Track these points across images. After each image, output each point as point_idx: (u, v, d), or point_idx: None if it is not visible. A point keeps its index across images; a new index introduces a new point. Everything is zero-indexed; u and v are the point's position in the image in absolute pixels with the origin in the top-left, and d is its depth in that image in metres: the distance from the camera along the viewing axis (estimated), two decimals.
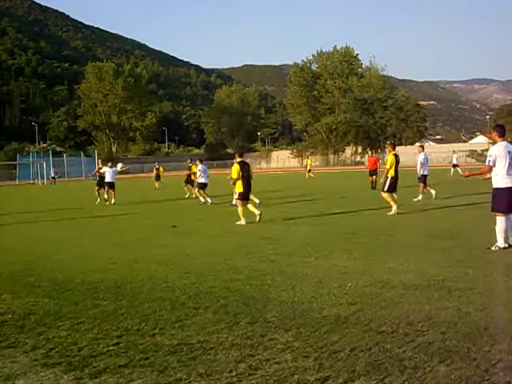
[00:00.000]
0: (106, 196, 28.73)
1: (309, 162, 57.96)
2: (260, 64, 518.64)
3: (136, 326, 6.31)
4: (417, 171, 23.86)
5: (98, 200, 28.95)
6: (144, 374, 4.90)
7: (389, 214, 17.19)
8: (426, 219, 16.28)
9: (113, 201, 28.05)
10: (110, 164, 30.17)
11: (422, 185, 23.32)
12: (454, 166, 48.47)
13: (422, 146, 25.26)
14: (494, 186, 11.09)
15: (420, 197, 22.59)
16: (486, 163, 11.06)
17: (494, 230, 10.90)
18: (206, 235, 14.49)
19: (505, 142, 11.10)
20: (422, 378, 4.57)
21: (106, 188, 28.55)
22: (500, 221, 10.75)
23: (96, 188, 29.91)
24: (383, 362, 4.95)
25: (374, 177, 31.77)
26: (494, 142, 11.39)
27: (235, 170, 16.82)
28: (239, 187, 16.62)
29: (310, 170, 54.41)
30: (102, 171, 29.55)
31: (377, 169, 32.77)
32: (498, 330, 5.75)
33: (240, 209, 16.55)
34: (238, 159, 17.33)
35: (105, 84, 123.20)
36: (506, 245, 10.70)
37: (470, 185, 27.98)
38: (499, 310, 6.54)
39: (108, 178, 28.51)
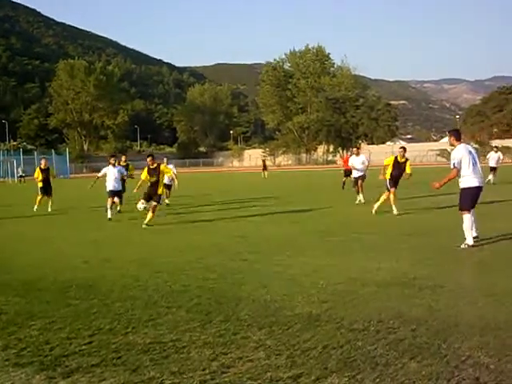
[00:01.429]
0: (117, 208, 20.52)
1: (265, 161, 57.46)
2: (233, 63, 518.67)
3: (108, 325, 6.27)
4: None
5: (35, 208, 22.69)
6: (116, 372, 4.87)
7: (395, 213, 16.88)
8: (396, 218, 16.38)
9: (118, 208, 20.57)
10: (112, 160, 21.09)
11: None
12: None
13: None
14: (462, 186, 11.30)
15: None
16: (452, 167, 11.28)
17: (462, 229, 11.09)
18: (178, 234, 14.46)
19: (463, 144, 11.49)
20: (394, 375, 4.61)
21: (111, 199, 19.42)
22: (466, 219, 10.95)
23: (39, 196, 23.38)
24: (355, 359, 4.98)
25: (349, 178, 30.11)
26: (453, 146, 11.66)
27: (144, 173, 16.78)
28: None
29: (265, 168, 53.88)
30: (100, 174, 20.79)
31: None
32: (467, 326, 5.81)
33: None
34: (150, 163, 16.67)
35: (76, 82, 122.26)
36: (474, 242, 10.87)
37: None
38: (469, 307, 6.61)
39: (112, 185, 19.90)
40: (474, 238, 10.96)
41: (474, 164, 11.15)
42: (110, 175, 20.02)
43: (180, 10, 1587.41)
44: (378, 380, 4.52)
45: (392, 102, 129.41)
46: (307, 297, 7.28)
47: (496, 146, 34.00)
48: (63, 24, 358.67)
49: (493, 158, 31.77)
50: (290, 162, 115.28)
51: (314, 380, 4.57)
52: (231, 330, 5.94)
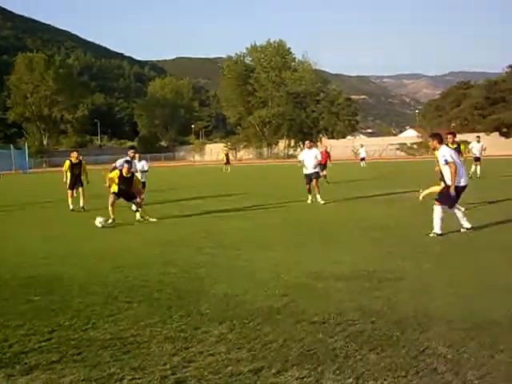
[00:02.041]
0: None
1: (224, 155, 56.47)
2: (194, 56, 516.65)
3: (68, 322, 6.22)
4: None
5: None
6: (76, 369, 4.84)
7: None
8: (357, 211, 16.50)
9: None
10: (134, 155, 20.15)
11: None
12: (362, 159, 49.27)
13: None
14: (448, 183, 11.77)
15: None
16: (447, 162, 11.63)
17: (424, 222, 11.38)
18: (139, 229, 14.39)
19: (445, 146, 12.22)
20: (353, 367, 4.66)
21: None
22: (437, 210, 11.46)
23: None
24: (315, 352, 5.02)
25: (325, 171, 29.38)
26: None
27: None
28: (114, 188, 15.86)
29: (227, 163, 53.24)
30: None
31: (326, 162, 30.36)
32: (425, 318, 5.89)
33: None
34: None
35: (35, 75, 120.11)
36: (441, 231, 11.34)
37: (397, 179, 28.51)
38: (427, 299, 6.70)
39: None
40: (468, 228, 11.69)
41: (458, 164, 11.74)
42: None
43: (141, 3, 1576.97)
44: (338, 372, 4.57)
45: (352, 97, 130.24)
46: (268, 291, 7.31)
47: (478, 136, 33.47)
48: (22, 16, 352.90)
49: (476, 148, 31.29)
50: (251, 156, 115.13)
51: (274, 373, 4.59)
52: (192, 325, 5.94)
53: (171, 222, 15.62)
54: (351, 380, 4.41)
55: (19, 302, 7.15)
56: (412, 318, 5.90)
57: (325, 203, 18.80)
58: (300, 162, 20.42)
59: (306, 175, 20.04)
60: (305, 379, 4.46)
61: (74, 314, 6.48)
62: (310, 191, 19.90)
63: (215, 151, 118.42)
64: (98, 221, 14.60)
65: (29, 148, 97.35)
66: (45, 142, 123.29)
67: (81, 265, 9.64)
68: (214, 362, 4.88)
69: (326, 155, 30.83)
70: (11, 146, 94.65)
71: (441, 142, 12.10)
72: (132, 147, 24.42)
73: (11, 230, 14.99)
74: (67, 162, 20.05)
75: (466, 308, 6.26)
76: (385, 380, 4.39)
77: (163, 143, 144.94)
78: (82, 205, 19.59)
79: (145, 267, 9.20)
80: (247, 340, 5.41)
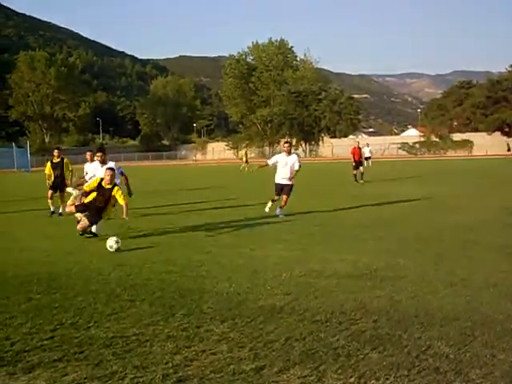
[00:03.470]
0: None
1: (244, 153, 56.85)
2: (196, 55, 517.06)
3: (70, 320, 6.20)
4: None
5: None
6: (79, 367, 4.83)
7: None
8: (358, 209, 16.48)
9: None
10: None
11: None
12: (367, 158, 49.27)
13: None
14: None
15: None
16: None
17: (424, 221, 11.35)
18: (141, 227, 14.37)
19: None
20: (355, 366, 4.65)
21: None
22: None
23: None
24: (317, 351, 5.01)
25: (361, 168, 29.32)
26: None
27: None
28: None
29: (247, 161, 53.44)
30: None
31: (360, 160, 29.77)
32: (427, 317, 5.89)
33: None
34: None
35: (37, 73, 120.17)
36: None
37: (398, 178, 28.49)
38: (429, 297, 6.70)
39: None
40: None
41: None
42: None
43: (143, 2, 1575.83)
44: (340, 371, 4.56)
45: (354, 96, 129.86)
46: (270, 289, 7.30)
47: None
48: (24, 15, 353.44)
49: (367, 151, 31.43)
50: (253, 154, 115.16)
51: (276, 372, 4.58)
52: (194, 324, 5.94)
53: (172, 220, 15.59)
54: (353, 379, 4.40)
55: (21, 300, 7.13)
56: (414, 317, 5.89)
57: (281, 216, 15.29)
58: (268, 164, 16.54)
59: (278, 185, 15.93)
60: (307, 378, 4.45)
61: (77, 312, 6.47)
62: (274, 201, 16.01)
63: (217, 150, 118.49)
64: (110, 244, 10.69)
65: (31, 146, 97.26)
66: (47, 141, 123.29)
67: (83, 263, 9.63)
68: (216, 361, 4.87)
69: (358, 151, 29.94)
70: (13, 144, 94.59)
71: None
72: (100, 148, 17.18)
73: (13, 228, 14.97)
74: (48, 165, 17.81)
75: (469, 307, 6.25)
76: (387, 379, 4.38)
77: (165, 142, 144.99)
78: (60, 210, 17.32)
79: (146, 266, 9.18)
80: (249, 339, 5.41)
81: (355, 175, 28.99)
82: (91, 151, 15.68)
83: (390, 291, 7.00)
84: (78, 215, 13.16)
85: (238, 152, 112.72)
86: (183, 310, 6.46)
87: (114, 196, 12.29)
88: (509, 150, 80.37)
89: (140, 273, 8.64)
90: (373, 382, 4.35)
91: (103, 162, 14.67)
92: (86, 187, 12.98)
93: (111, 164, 14.26)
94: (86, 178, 15.01)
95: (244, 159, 53.67)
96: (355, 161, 29.45)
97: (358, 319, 5.90)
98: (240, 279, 7.96)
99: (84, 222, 12.41)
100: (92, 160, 15.63)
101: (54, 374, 4.69)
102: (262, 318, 6.06)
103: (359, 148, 30.68)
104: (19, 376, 4.69)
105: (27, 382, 4.58)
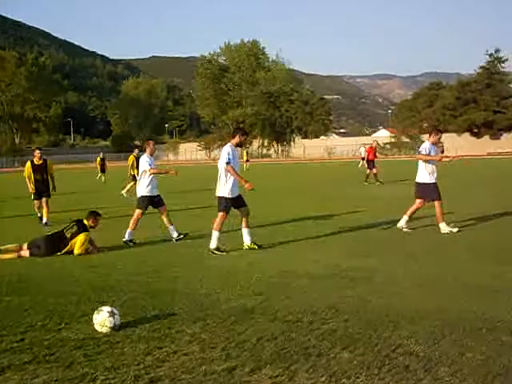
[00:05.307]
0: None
1: (245, 152, 58.11)
2: (168, 56, 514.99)
3: (41, 322, 6.16)
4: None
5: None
6: (50, 369, 4.79)
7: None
8: (331, 210, 16.53)
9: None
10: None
11: None
12: (363, 158, 49.40)
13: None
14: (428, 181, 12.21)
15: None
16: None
17: (397, 221, 11.54)
18: (112, 228, 14.28)
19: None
20: (326, 365, 4.68)
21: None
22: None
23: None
24: (289, 351, 5.04)
25: (374, 170, 28.15)
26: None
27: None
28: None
29: (247, 161, 54.46)
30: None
31: (374, 160, 28.62)
32: (397, 316, 5.94)
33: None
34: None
35: (7, 73, 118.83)
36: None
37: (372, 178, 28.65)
38: (399, 297, 6.76)
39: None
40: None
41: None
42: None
43: (115, 2, 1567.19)
44: (311, 370, 4.58)
45: (326, 97, 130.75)
46: (242, 290, 7.32)
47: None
48: None
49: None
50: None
51: (248, 372, 4.60)
52: (165, 324, 5.92)
53: (144, 221, 15.52)
54: (324, 378, 4.43)
55: None
56: (384, 317, 5.94)
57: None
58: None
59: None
60: (278, 378, 4.47)
61: (47, 314, 6.42)
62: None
63: (189, 150, 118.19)
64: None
65: (1, 147, 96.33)
66: (17, 141, 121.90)
67: (53, 264, 9.57)
68: (187, 362, 4.87)
69: (373, 151, 29.10)
70: None
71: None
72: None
73: None
74: (28, 165, 15.42)
75: (438, 306, 6.32)
76: (357, 378, 4.42)
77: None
78: (45, 221, 15.10)
79: (118, 267, 9.15)
80: (221, 339, 5.41)
81: (375, 175, 27.81)
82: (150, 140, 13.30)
83: (360, 291, 7.05)
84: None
85: (209, 153, 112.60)
86: (154, 311, 6.45)
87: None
88: None
89: (111, 274, 8.61)
90: (344, 380, 4.38)
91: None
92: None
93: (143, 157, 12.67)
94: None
95: (245, 159, 54.80)
96: (369, 160, 28.60)
97: (329, 319, 5.93)
98: (212, 280, 7.97)
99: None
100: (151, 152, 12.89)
101: (24, 376, 4.65)
102: (233, 318, 6.06)
103: (374, 148, 29.75)
104: None
105: None
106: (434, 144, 12.36)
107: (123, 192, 24.72)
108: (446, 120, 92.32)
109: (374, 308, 6.29)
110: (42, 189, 15.29)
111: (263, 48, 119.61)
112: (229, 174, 10.33)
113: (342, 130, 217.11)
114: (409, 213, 12.15)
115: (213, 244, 10.25)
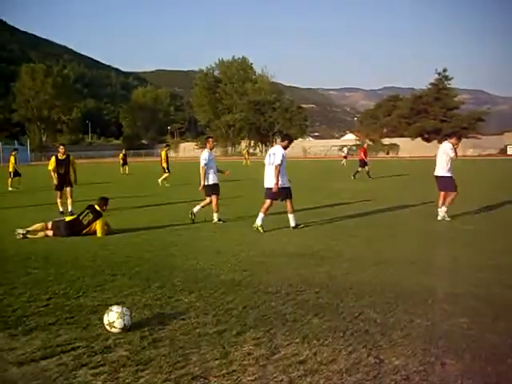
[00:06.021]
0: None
1: (245, 151, 58.48)
2: (171, 69, 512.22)
3: (63, 290, 6.15)
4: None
5: None
6: (70, 330, 4.81)
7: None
8: (308, 202, 16.52)
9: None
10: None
11: None
12: (345, 157, 49.38)
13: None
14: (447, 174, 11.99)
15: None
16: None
17: (365, 210, 11.50)
18: (124, 213, 14.23)
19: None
20: (300, 329, 4.71)
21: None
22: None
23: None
24: (269, 317, 5.05)
25: (366, 167, 27.30)
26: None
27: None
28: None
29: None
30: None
31: (365, 159, 27.82)
32: (359, 289, 5.97)
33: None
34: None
35: (37, 83, 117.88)
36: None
37: (348, 172, 28.68)
38: (360, 273, 6.79)
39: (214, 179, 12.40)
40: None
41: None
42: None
43: (129, 23, 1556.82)
44: (287, 333, 4.61)
45: (303, 106, 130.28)
46: (230, 266, 7.32)
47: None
48: (26, 33, 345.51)
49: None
50: (218, 153, 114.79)
51: (235, 334, 4.61)
52: (167, 294, 5.93)
53: (150, 208, 15.49)
54: (298, 340, 4.45)
55: (20, 274, 7.04)
56: (348, 289, 5.96)
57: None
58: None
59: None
60: (260, 339, 4.48)
61: (68, 285, 6.41)
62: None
63: (188, 149, 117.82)
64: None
65: (30, 144, 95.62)
66: (44, 140, 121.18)
67: (73, 243, 9.53)
68: (184, 325, 4.88)
69: (365, 151, 28.41)
70: (15, 142, 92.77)
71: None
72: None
73: (14, 213, 14.70)
74: (53, 159, 14.49)
75: (392, 281, 6.35)
76: (326, 340, 4.44)
77: (144, 141, 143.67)
78: (70, 209, 14.06)
79: (127, 246, 9.14)
80: (213, 307, 5.42)
81: (368, 172, 27.02)
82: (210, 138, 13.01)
83: (328, 268, 7.07)
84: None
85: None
86: (157, 283, 6.44)
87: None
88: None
89: (121, 251, 8.59)
90: (314, 342, 4.40)
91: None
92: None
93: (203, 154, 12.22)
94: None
95: (246, 156, 55.08)
96: (361, 160, 27.93)
97: (303, 291, 5.95)
98: (205, 257, 7.96)
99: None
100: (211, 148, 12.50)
101: (48, 336, 4.66)
102: (223, 289, 6.07)
103: (365, 149, 29.10)
104: (19, 337, 4.65)
105: (26, 342, 4.54)
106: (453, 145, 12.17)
107: (159, 180, 25.21)
108: (402, 127, 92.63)
109: (339, 282, 6.31)
110: (64, 181, 14.52)
111: (251, 63, 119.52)
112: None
113: (316, 134, 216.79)
114: (441, 203, 11.85)
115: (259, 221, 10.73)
